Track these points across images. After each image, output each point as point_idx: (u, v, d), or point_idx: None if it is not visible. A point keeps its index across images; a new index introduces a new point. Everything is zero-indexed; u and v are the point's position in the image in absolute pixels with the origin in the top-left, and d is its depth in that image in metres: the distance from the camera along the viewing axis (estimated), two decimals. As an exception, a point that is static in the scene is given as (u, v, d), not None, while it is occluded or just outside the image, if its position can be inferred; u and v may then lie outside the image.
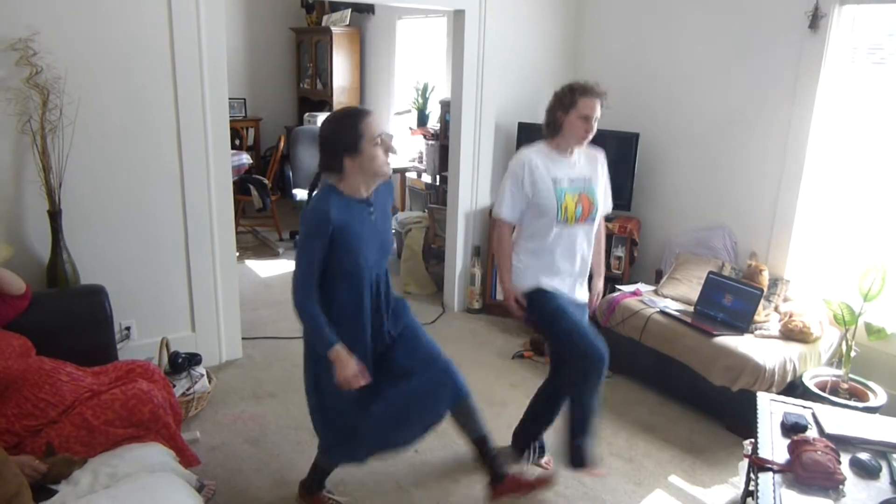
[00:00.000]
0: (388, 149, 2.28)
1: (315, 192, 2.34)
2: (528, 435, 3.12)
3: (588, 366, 2.69)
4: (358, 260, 2.28)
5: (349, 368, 2.28)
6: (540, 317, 2.89)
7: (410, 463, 3.09)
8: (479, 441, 2.56)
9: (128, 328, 3.57)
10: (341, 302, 2.34)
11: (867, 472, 2.28)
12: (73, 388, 2.43)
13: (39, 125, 3.06)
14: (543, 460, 3.16)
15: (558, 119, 2.78)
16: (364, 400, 2.39)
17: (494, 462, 2.59)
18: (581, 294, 2.96)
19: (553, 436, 3.10)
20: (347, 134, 2.21)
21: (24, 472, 2.01)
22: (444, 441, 3.23)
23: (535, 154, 2.83)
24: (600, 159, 2.95)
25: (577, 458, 2.82)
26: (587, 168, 2.90)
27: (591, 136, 2.80)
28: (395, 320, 2.53)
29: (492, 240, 2.94)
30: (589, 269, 2.98)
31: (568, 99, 2.74)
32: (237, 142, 7.53)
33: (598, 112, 2.76)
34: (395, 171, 5.89)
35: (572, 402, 2.82)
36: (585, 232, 2.88)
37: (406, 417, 2.42)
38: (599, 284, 3.11)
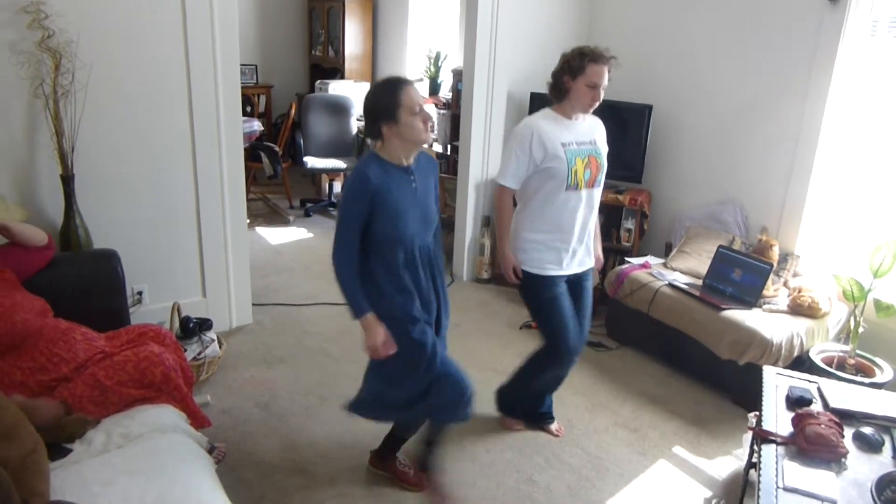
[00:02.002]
0: (426, 119, 2.29)
1: (359, 158, 2.38)
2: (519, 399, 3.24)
3: (563, 362, 2.99)
4: (398, 225, 2.29)
5: (377, 337, 2.32)
6: (535, 302, 2.95)
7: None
8: (434, 445, 2.70)
9: (140, 293, 3.61)
10: (386, 268, 2.34)
11: (870, 445, 2.30)
12: (87, 347, 2.48)
13: (52, 89, 3.06)
14: (553, 426, 3.23)
15: (565, 84, 2.75)
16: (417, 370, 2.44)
17: (431, 457, 2.72)
18: (587, 261, 2.99)
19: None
20: (385, 102, 2.24)
21: (44, 415, 2.08)
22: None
23: (542, 119, 2.81)
24: (601, 125, 2.96)
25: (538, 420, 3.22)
26: (592, 131, 2.89)
27: (597, 105, 2.78)
28: (446, 306, 2.57)
29: (494, 207, 2.97)
30: (592, 233, 2.99)
31: (577, 64, 2.69)
32: (248, 108, 7.52)
33: (605, 80, 2.73)
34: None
35: (535, 379, 3.08)
36: (593, 196, 2.90)
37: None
38: (599, 249, 3.14)
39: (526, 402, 3.21)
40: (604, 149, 2.92)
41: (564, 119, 2.81)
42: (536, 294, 2.90)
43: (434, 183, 2.50)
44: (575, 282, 2.96)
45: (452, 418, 2.53)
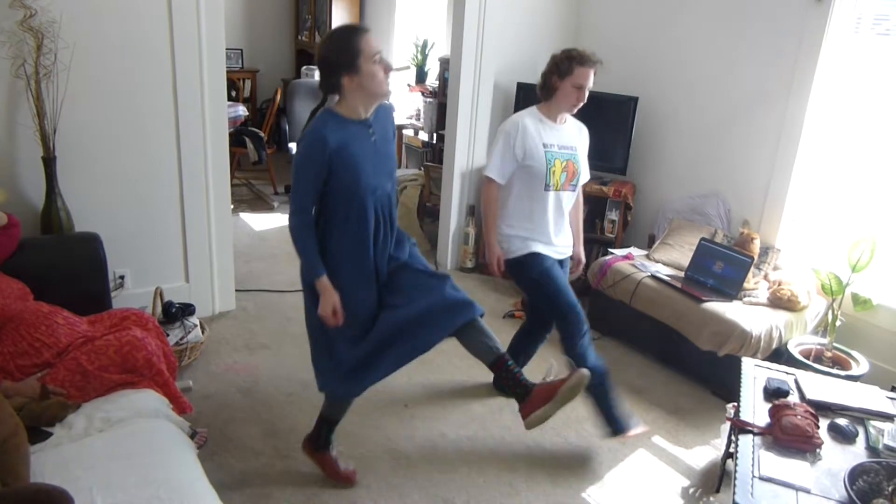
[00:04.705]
0: (387, 68, 2.23)
1: (315, 116, 2.28)
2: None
3: (571, 326, 2.90)
4: (358, 180, 2.25)
5: (331, 302, 2.29)
6: (529, 281, 3.00)
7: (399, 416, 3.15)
8: (499, 361, 2.43)
9: (122, 277, 3.59)
10: (346, 223, 2.31)
11: (844, 436, 2.35)
12: (69, 331, 2.46)
13: (34, 69, 3.02)
14: None
15: (552, 84, 2.86)
16: (366, 325, 2.37)
17: (518, 381, 2.40)
18: (566, 251, 3.08)
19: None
20: (345, 51, 2.15)
21: (22, 393, 2.09)
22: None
23: (528, 117, 2.92)
24: (585, 131, 3.07)
25: (613, 422, 2.96)
26: (574, 137, 3.00)
27: (580, 105, 2.89)
28: (399, 246, 2.48)
29: (482, 199, 3.08)
30: (566, 230, 3.07)
31: (565, 66, 2.81)
32: (233, 93, 7.45)
33: (591, 82, 2.84)
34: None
35: (576, 364, 2.86)
36: (567, 199, 3.00)
37: (409, 331, 2.36)
38: (581, 252, 3.22)
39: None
40: (583, 158, 3.02)
41: (549, 121, 2.93)
42: (528, 273, 2.96)
43: (392, 131, 2.46)
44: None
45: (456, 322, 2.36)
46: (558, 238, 3.02)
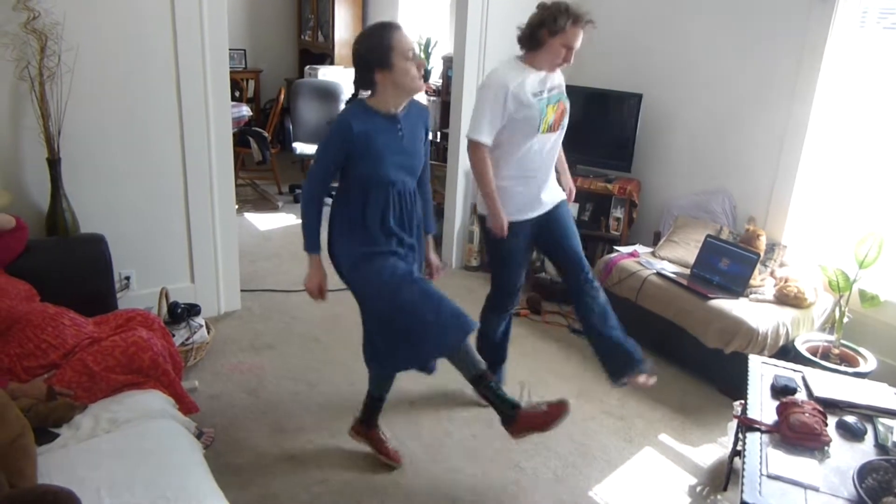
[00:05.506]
0: (421, 64, 2.28)
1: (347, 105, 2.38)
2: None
3: (502, 303, 3.12)
4: (378, 168, 2.31)
5: (316, 278, 2.46)
6: (493, 248, 2.99)
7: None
8: (478, 378, 2.47)
9: (127, 278, 3.59)
10: (368, 208, 2.36)
11: (852, 434, 2.33)
12: (75, 332, 2.46)
13: (38, 71, 3.02)
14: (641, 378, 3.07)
15: (541, 37, 2.71)
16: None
17: (498, 400, 2.47)
18: (552, 195, 2.97)
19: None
20: (378, 47, 2.22)
21: (29, 394, 2.09)
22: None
23: (512, 71, 2.76)
24: (560, 73, 2.95)
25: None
26: (557, 75, 2.90)
27: (566, 65, 2.79)
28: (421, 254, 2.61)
29: (473, 166, 2.85)
30: (552, 180, 2.99)
31: (562, 22, 2.66)
32: (237, 93, 7.46)
33: (579, 43, 2.72)
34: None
35: (485, 321, 3.17)
36: (556, 139, 2.91)
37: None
38: (570, 180, 3.20)
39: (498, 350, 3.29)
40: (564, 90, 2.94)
41: (532, 69, 2.78)
42: (497, 241, 2.89)
43: (425, 131, 2.50)
44: (549, 216, 2.96)
45: (453, 340, 2.43)
46: (545, 192, 2.91)
